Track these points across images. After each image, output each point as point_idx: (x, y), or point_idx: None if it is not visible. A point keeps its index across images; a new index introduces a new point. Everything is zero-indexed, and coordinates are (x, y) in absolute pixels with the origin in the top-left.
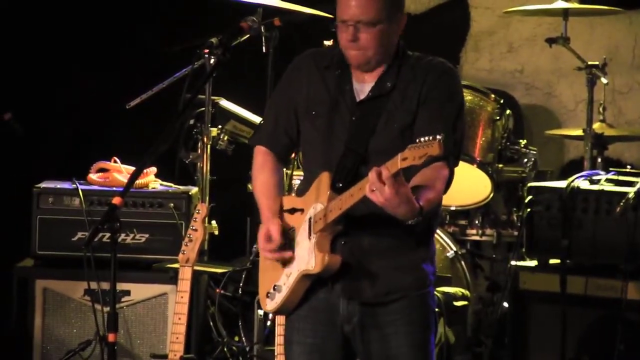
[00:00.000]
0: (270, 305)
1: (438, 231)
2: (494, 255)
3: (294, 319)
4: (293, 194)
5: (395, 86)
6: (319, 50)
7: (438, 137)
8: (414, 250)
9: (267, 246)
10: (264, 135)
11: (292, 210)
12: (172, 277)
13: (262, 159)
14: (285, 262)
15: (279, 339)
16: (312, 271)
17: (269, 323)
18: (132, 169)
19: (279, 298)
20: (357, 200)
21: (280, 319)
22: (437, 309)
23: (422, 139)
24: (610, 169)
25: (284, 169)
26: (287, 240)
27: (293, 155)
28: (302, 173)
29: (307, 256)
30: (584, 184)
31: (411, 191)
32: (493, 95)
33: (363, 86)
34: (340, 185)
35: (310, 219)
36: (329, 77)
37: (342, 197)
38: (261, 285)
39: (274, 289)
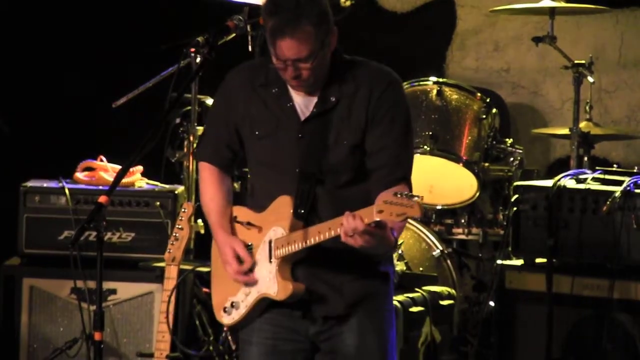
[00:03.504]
0: (226, 319)
1: (424, 230)
2: (480, 255)
3: (258, 320)
4: (244, 208)
5: (340, 100)
6: (251, 65)
7: (416, 198)
8: (372, 258)
9: (241, 268)
10: (207, 151)
11: (248, 225)
12: (158, 276)
13: (207, 174)
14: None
15: None
16: (274, 297)
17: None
18: (118, 167)
19: (236, 315)
20: (325, 239)
21: None
22: (423, 308)
23: (399, 195)
24: (597, 168)
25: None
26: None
27: None
28: None
29: (269, 281)
30: (570, 183)
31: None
32: (479, 94)
33: (305, 100)
34: (302, 211)
35: (270, 241)
36: (267, 96)
37: (309, 231)
38: (215, 294)
39: (232, 305)
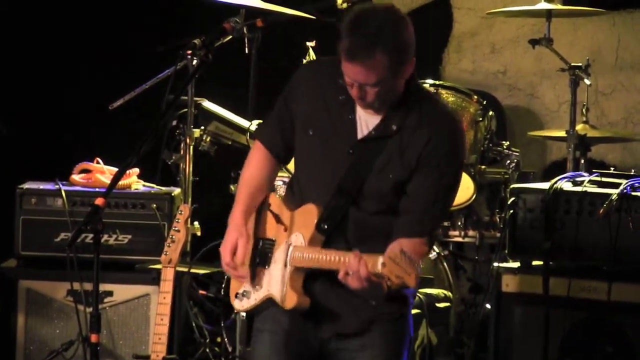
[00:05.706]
0: (237, 304)
1: None
2: (476, 257)
3: (273, 309)
4: (280, 199)
5: (400, 130)
6: (327, 64)
7: (416, 267)
8: None
9: (230, 263)
10: (266, 134)
11: (278, 219)
12: (154, 278)
13: (257, 154)
14: (257, 272)
15: None
16: (279, 303)
17: (233, 316)
18: (114, 169)
19: (246, 304)
20: (335, 268)
21: None
22: (419, 310)
23: (404, 255)
24: (594, 170)
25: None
26: (265, 252)
27: None
28: (285, 174)
29: (279, 284)
30: (567, 186)
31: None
32: (476, 97)
33: (368, 117)
34: (326, 227)
35: (290, 245)
36: (333, 101)
37: (323, 254)
38: (232, 280)
39: (244, 294)
